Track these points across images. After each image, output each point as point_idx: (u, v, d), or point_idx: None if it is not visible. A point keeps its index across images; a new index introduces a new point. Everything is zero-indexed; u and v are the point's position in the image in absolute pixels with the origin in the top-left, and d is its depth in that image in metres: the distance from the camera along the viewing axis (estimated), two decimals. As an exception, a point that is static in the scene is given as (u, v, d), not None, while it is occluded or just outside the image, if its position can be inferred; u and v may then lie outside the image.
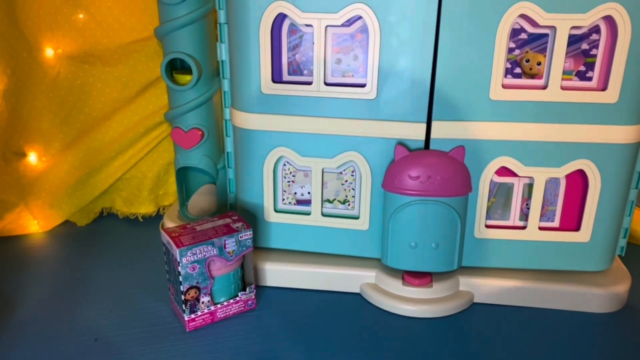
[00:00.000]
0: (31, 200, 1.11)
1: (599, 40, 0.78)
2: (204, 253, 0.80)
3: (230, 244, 0.82)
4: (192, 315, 0.82)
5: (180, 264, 0.79)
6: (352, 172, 0.89)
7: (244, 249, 0.84)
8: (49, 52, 1.04)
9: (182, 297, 0.80)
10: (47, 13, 1.02)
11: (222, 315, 0.85)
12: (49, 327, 0.83)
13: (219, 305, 0.84)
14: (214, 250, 0.81)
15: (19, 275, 0.97)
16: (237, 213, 0.90)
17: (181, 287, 0.80)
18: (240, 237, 0.83)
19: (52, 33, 1.03)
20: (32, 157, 1.11)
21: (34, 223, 1.13)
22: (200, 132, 0.98)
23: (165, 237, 0.82)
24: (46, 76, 1.06)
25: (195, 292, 0.81)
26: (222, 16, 0.88)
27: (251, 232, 0.84)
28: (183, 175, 1.05)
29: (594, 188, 0.83)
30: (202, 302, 0.83)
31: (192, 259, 0.79)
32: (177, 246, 0.78)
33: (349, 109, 0.83)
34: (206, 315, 0.83)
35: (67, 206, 1.14)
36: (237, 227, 0.84)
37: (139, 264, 1.01)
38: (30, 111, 1.07)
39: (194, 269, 0.80)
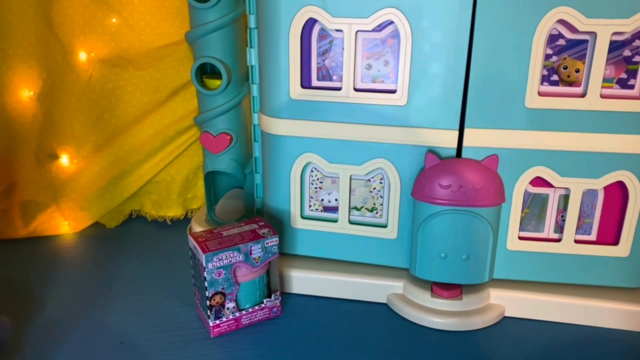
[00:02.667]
0: (62, 201, 1.13)
1: (642, 46, 0.75)
2: (230, 259, 0.80)
3: (257, 250, 0.81)
4: (217, 321, 0.82)
5: (206, 270, 0.78)
6: (381, 179, 0.88)
7: (270, 255, 0.83)
8: (82, 56, 1.06)
9: (208, 302, 0.80)
10: (81, 17, 1.04)
11: (246, 322, 0.84)
12: (76, 328, 0.84)
13: (244, 312, 0.84)
14: (240, 256, 0.80)
15: (49, 275, 0.99)
16: (264, 219, 0.89)
17: (207, 292, 0.80)
18: (267, 243, 0.82)
19: (85, 37, 1.05)
20: (64, 159, 1.12)
21: (64, 224, 1.15)
22: (228, 137, 0.98)
23: (192, 242, 0.82)
24: (79, 79, 1.07)
25: (221, 298, 0.81)
26: (252, 21, 0.87)
27: (277, 238, 0.83)
28: (211, 180, 1.05)
29: (634, 200, 0.80)
30: (227, 308, 0.82)
31: (218, 264, 0.79)
32: (204, 251, 0.78)
33: (378, 116, 0.82)
34: (231, 322, 0.83)
35: (97, 208, 1.15)
36: (264, 233, 0.83)
37: (166, 267, 1.02)
38: (63, 114, 1.09)
39: (219, 274, 0.80)
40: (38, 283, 0.96)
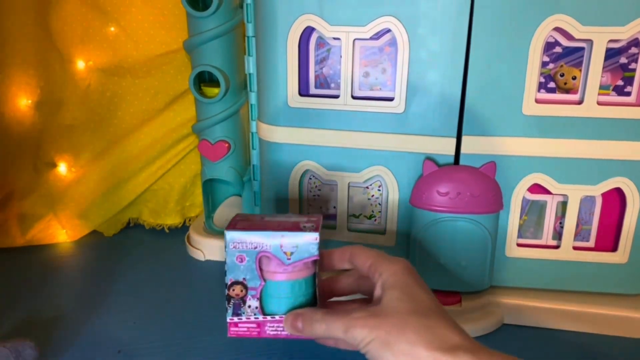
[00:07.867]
0: (60, 210, 1.13)
1: (638, 53, 0.75)
2: (255, 245, 0.64)
3: (288, 243, 0.64)
4: (235, 318, 0.65)
5: (227, 250, 0.64)
6: (379, 186, 0.88)
7: (307, 255, 0.63)
8: (80, 65, 1.06)
9: (226, 291, 0.65)
10: (79, 26, 1.04)
11: (271, 333, 0.65)
12: (73, 337, 0.83)
13: (269, 318, 0.65)
14: (267, 245, 0.64)
15: (46, 284, 0.98)
16: (320, 216, 0.71)
17: (225, 278, 0.65)
18: (303, 238, 0.63)
19: (83, 46, 1.05)
20: (62, 168, 1.12)
21: (62, 232, 1.15)
22: (227, 145, 0.98)
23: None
24: (77, 88, 1.07)
25: (242, 290, 0.65)
26: (250, 29, 0.88)
27: (317, 235, 0.63)
28: (209, 187, 1.05)
29: (632, 207, 0.80)
30: (249, 306, 0.65)
31: (241, 247, 0.64)
32: (228, 228, 0.64)
33: (376, 123, 0.82)
34: (252, 324, 0.65)
35: (95, 216, 1.15)
36: (304, 227, 0.65)
37: (164, 275, 1.01)
38: (61, 122, 1.09)
39: (241, 259, 0.65)
40: (36, 292, 0.96)
